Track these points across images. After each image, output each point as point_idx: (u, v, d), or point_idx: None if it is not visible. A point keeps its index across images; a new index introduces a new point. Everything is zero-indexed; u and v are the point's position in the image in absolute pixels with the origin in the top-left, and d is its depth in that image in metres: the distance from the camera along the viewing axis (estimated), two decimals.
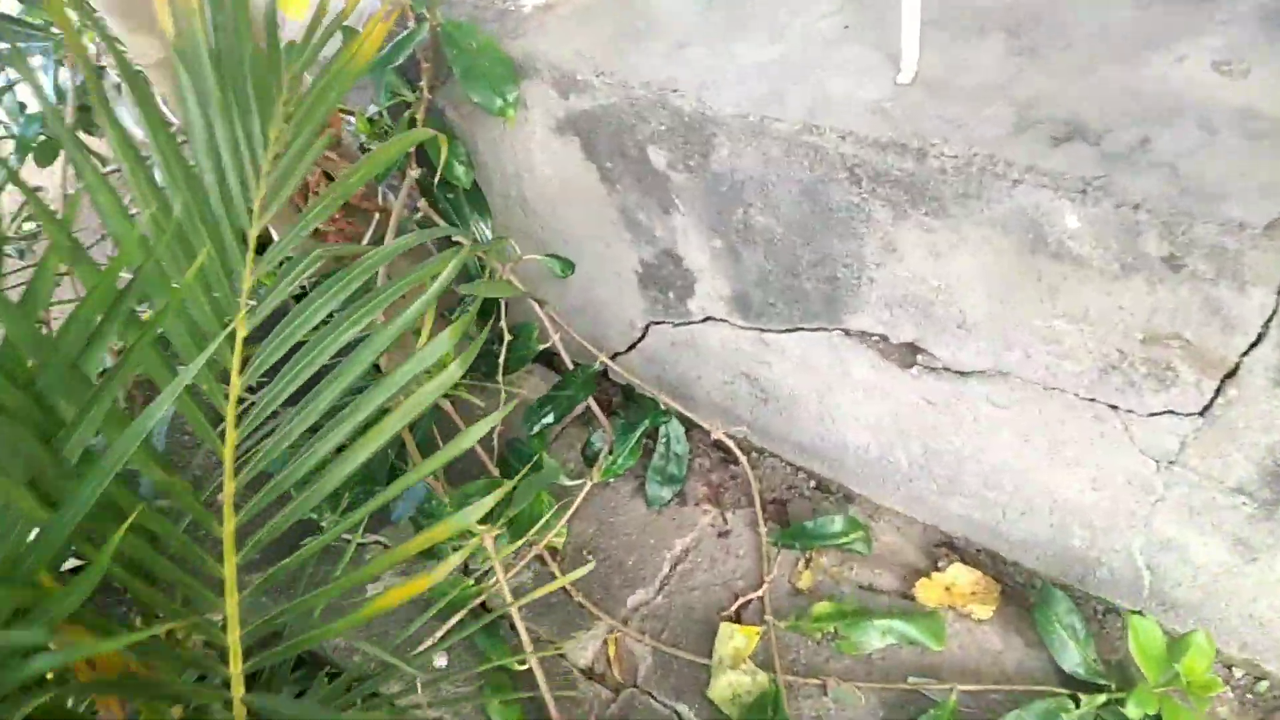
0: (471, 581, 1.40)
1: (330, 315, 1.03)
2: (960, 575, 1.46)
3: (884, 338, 1.33)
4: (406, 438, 1.46)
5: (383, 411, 0.99)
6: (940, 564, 1.48)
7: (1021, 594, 1.45)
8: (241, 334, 1.04)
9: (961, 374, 1.28)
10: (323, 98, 1.13)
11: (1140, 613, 1.38)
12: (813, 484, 1.66)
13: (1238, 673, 1.33)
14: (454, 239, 1.58)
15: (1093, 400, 1.17)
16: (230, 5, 1.10)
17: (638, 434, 1.50)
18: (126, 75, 1.02)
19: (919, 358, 1.31)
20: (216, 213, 1.05)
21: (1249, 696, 1.31)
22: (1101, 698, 1.26)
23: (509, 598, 1.38)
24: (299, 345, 1.02)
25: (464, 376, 1.84)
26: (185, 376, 0.82)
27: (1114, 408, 1.16)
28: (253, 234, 1.06)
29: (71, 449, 0.78)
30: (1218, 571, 1.23)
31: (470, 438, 0.97)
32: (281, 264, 1.10)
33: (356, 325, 1.01)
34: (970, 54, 1.18)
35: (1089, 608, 1.42)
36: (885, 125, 1.12)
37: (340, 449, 0.98)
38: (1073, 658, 1.28)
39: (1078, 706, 1.27)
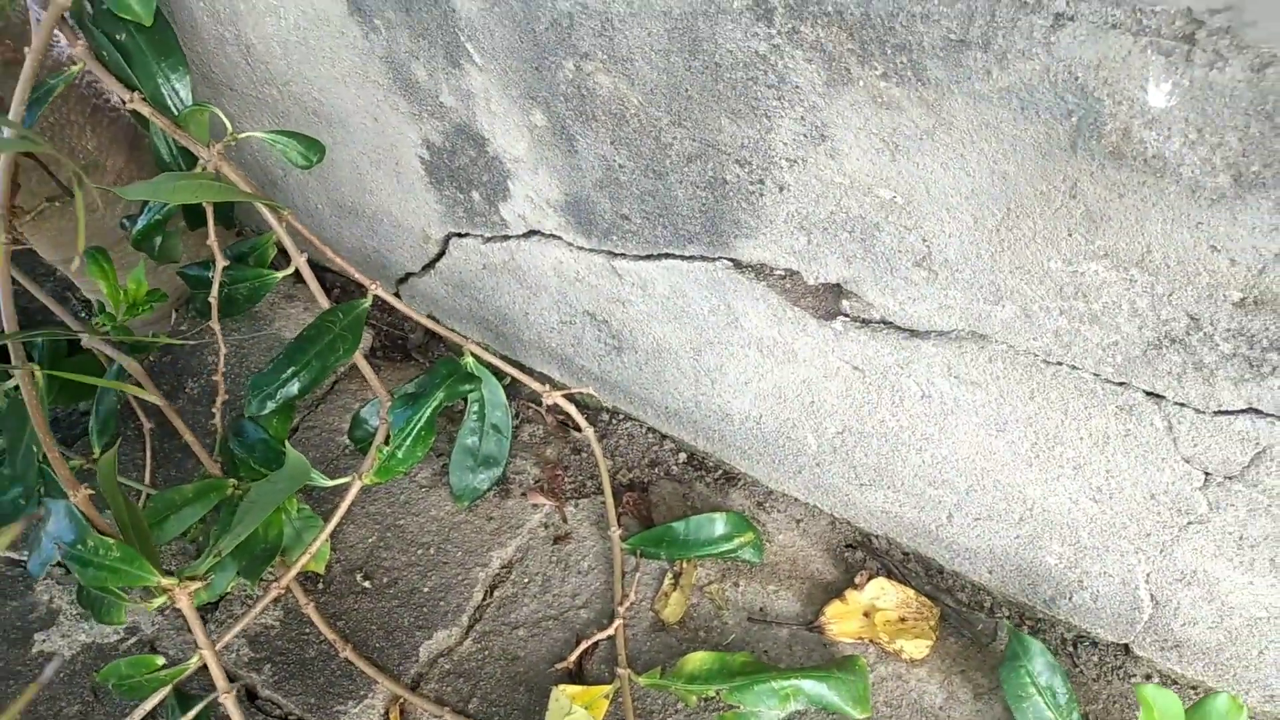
0: (160, 661, 0.89)
1: None
2: (885, 594, 1.06)
3: (794, 274, 0.86)
4: (39, 424, 0.91)
5: None
6: (857, 579, 1.07)
7: (965, 617, 1.06)
8: None
9: (913, 333, 0.83)
10: None
11: (1128, 648, 1.01)
12: (683, 458, 1.21)
13: None
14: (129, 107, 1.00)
15: (1124, 385, 0.74)
16: None
17: (428, 411, 1.00)
18: None
19: (847, 305, 0.85)
20: None
21: None
22: None
23: (220, 681, 0.88)
24: None
25: (177, 314, 1.25)
26: None
27: (1156, 398, 0.73)
28: None
29: None
30: (1260, 615, 0.85)
31: None
32: None
33: None
34: None
35: (1053, 635, 1.04)
36: None
37: None
38: None
39: None
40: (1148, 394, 0.73)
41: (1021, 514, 0.93)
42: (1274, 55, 0.52)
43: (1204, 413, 0.72)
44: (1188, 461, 0.76)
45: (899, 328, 0.83)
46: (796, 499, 1.15)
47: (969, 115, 0.63)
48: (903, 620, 1.04)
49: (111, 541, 0.84)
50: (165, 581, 0.86)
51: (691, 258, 0.91)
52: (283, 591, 0.97)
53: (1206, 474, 0.76)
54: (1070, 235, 0.66)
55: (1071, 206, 0.64)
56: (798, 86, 0.69)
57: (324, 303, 1.05)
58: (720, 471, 1.19)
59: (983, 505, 0.95)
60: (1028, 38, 0.57)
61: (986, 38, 0.59)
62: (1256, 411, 0.69)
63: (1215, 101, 0.54)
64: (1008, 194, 0.66)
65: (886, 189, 0.72)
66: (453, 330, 1.14)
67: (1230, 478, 0.75)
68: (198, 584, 0.87)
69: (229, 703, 0.87)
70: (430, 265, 1.21)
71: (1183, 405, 0.72)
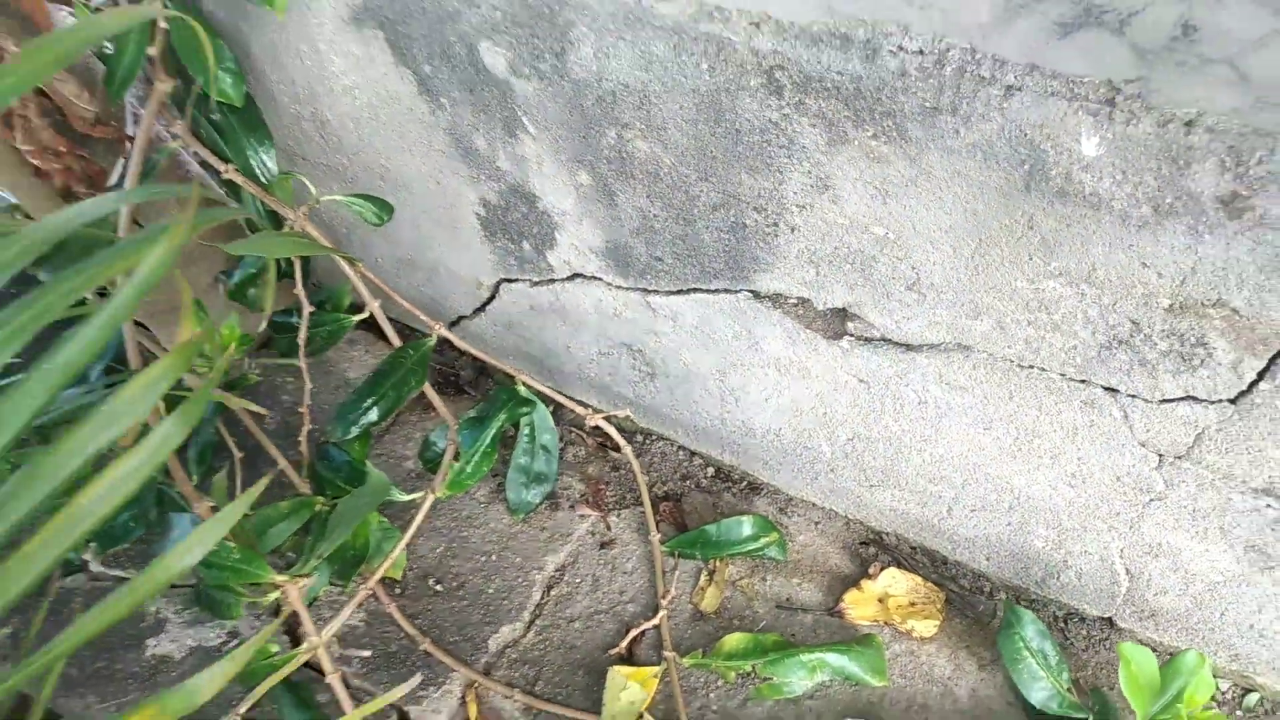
0: (274, 648, 1.03)
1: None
2: (896, 583, 1.19)
3: (806, 302, 1.01)
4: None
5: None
6: (871, 570, 1.21)
7: (968, 600, 1.20)
8: None
9: (908, 348, 0.98)
10: None
11: (1111, 620, 1.14)
12: (711, 471, 1.35)
13: (1223, 684, 1.12)
14: (227, 177, 1.16)
15: (1085, 383, 0.89)
16: None
17: (492, 431, 1.15)
18: None
19: (851, 327, 1.00)
20: None
21: (1239, 713, 1.10)
22: None
23: (327, 666, 1.02)
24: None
25: (260, 355, 1.41)
26: None
27: (1113, 392, 0.88)
28: None
29: None
30: (1218, 580, 0.99)
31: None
32: None
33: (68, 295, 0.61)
34: None
35: (1046, 613, 1.18)
36: (817, 7, 0.77)
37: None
38: (1044, 690, 1.04)
39: None
40: (1105, 389, 0.88)
41: (1010, 503, 1.07)
42: (1174, 114, 0.67)
43: (1151, 402, 0.86)
44: (1143, 445, 0.91)
45: (896, 343, 0.98)
46: (814, 504, 1.30)
47: (944, 166, 0.79)
48: (912, 604, 1.18)
49: (233, 545, 0.99)
50: (278, 578, 1.00)
51: (716, 291, 1.07)
52: (370, 593, 1.11)
53: (1160, 455, 0.91)
54: (1031, 259, 0.81)
55: (1030, 236, 0.80)
56: (804, 146, 0.85)
57: (396, 341, 1.21)
58: (745, 482, 1.33)
59: (977, 497, 1.10)
60: (986, 104, 0.73)
61: (954, 105, 0.75)
62: (1193, 398, 0.84)
63: (1133, 150, 0.70)
64: (979, 228, 0.82)
65: (880, 227, 0.88)
66: (503, 364, 1.29)
67: (1179, 457, 0.90)
68: (306, 580, 1.02)
69: (335, 682, 1.01)
70: (481, 308, 1.37)
71: (1134, 396, 0.87)
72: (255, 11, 1.14)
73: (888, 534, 1.25)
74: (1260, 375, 0.79)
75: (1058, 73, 0.70)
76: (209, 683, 0.70)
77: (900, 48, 0.74)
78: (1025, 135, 0.73)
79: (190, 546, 0.74)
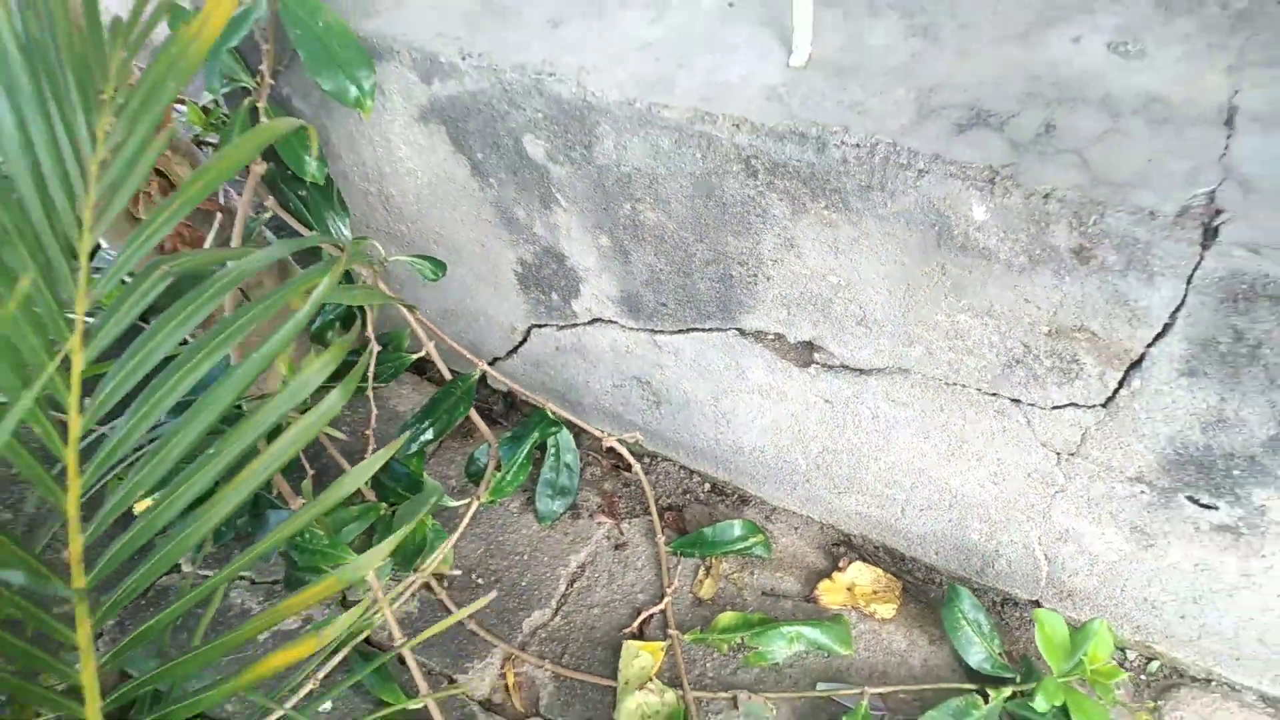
0: (354, 618, 1.26)
1: (185, 340, 0.89)
2: (861, 575, 1.43)
3: (781, 337, 1.27)
4: None
5: (252, 450, 0.85)
6: (841, 564, 1.44)
7: (921, 589, 1.43)
8: (79, 367, 0.88)
9: (861, 372, 1.23)
10: (158, 88, 0.97)
11: (1038, 602, 1.38)
12: (708, 487, 1.59)
13: (1130, 655, 1.35)
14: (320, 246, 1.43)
15: (995, 395, 1.14)
16: None
17: (527, 447, 1.39)
18: None
19: (816, 356, 1.26)
20: (39, 227, 0.89)
21: (1143, 677, 1.33)
22: (1008, 691, 1.25)
23: (397, 634, 1.25)
24: (155, 374, 0.87)
25: (326, 388, 1.68)
26: (10, 419, 0.67)
27: (1016, 402, 1.13)
28: (84, 248, 0.90)
29: None
30: (1115, 559, 1.23)
31: (355, 479, 0.85)
32: (123, 282, 0.94)
33: (216, 353, 0.86)
34: (865, 34, 1.12)
35: (986, 599, 1.41)
36: (781, 112, 1.05)
37: (208, 494, 0.85)
38: (979, 653, 1.27)
39: (987, 702, 1.25)
40: (1011, 400, 1.14)
41: (950, 501, 1.32)
42: (1035, 189, 0.94)
43: (1045, 409, 1.12)
44: (1044, 445, 1.16)
45: (852, 368, 1.24)
46: (794, 511, 1.54)
47: (878, 228, 1.06)
48: (875, 592, 1.41)
49: (321, 531, 1.23)
50: (358, 561, 1.24)
51: (710, 329, 1.33)
52: (424, 582, 1.35)
53: (1058, 453, 1.16)
54: (946, 298, 1.08)
55: (944, 280, 1.06)
56: (775, 215, 1.12)
57: (447, 375, 1.46)
58: (736, 495, 1.58)
59: (923, 498, 1.34)
60: (904, 183, 1.00)
61: (882, 183, 1.02)
62: (1075, 405, 1.09)
63: (1010, 215, 0.96)
64: (906, 275, 1.08)
65: (834, 275, 1.14)
66: (532, 397, 1.55)
67: (1072, 454, 1.15)
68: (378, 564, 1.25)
69: (406, 651, 1.24)
70: (514, 350, 1.63)
71: (1033, 405, 1.12)
72: (338, 108, 1.42)
73: (855, 535, 1.49)
74: (1120, 384, 1.04)
75: (954, 160, 0.97)
76: (372, 557, 0.90)
77: (843, 142, 1.01)
78: (934, 205, 1.00)
79: (298, 518, 0.97)
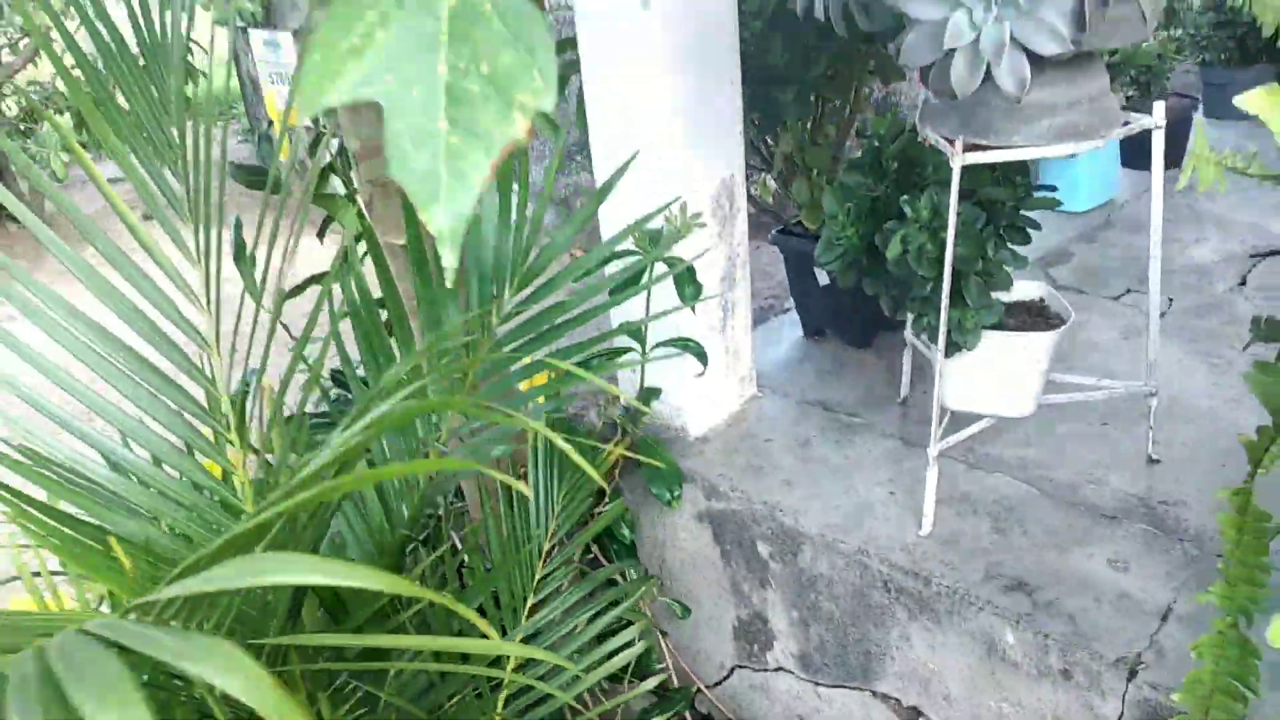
0: None
1: None
2: None
3: (899, 700, 1.95)
4: None
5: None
6: None
7: None
8: None
9: None
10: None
11: None
12: None
13: None
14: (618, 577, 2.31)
15: None
16: None
17: None
18: None
19: (920, 719, 1.92)
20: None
21: None
22: None
23: None
24: None
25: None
26: None
27: None
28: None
29: None
30: None
31: None
32: None
33: None
34: (966, 526, 1.92)
35: None
36: (908, 559, 1.84)
37: None
38: None
39: None
40: None
41: None
42: (1040, 630, 1.65)
43: None
44: None
45: None
46: None
47: (956, 639, 1.78)
48: None
49: None
50: None
51: (853, 687, 2.02)
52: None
53: None
54: (995, 689, 1.74)
55: (993, 678, 1.74)
56: (898, 618, 1.86)
57: (674, 683, 2.22)
58: None
59: None
60: (970, 613, 1.74)
61: (959, 611, 1.76)
62: None
63: (1027, 644, 1.67)
64: (971, 670, 1.77)
65: (931, 664, 1.84)
66: (726, 713, 2.24)
67: None
68: None
69: None
70: (719, 682, 2.36)
71: None
72: (651, 501, 2.37)
73: None
74: None
75: (1000, 606, 1.70)
76: None
77: (940, 583, 1.78)
78: (986, 630, 1.72)
79: None
